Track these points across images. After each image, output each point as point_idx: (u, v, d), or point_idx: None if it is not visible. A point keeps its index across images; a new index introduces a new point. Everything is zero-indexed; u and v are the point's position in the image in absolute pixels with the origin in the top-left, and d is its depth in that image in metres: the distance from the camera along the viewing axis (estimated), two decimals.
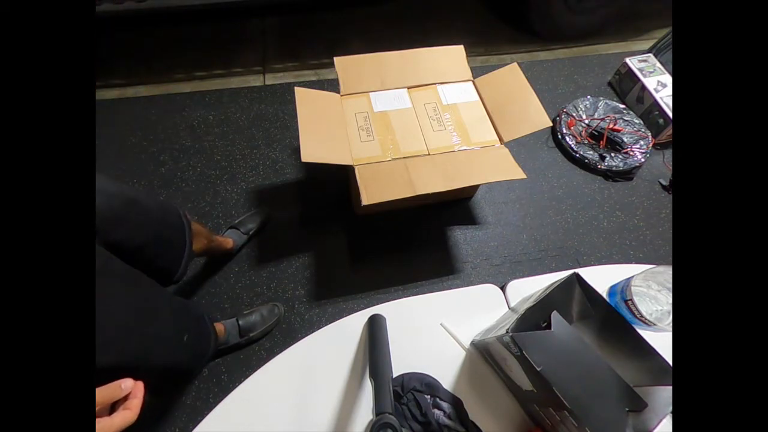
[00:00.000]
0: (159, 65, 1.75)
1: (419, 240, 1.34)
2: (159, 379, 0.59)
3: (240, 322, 1.09)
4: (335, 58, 1.18)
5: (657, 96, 1.56)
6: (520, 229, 1.39)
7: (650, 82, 1.60)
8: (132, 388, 0.37)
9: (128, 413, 0.36)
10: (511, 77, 1.17)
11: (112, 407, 0.37)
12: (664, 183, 1.51)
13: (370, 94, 1.17)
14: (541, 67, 1.84)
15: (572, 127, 1.58)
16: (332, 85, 1.63)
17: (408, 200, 1.00)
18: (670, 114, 1.52)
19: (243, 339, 1.09)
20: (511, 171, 1.03)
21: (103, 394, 0.35)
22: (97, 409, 0.35)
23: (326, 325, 0.62)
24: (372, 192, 0.97)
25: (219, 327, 1.04)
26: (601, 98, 1.66)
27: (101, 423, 0.34)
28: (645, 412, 0.43)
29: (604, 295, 0.64)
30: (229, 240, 1.18)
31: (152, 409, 1.00)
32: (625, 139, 1.54)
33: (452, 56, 1.25)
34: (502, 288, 0.67)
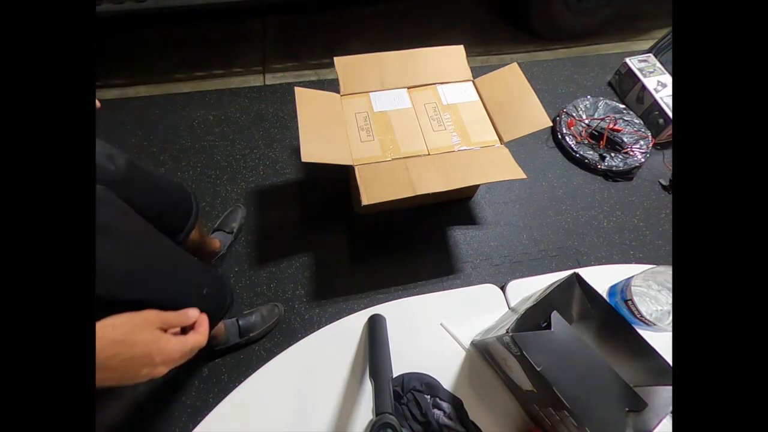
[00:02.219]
0: (159, 65, 1.75)
1: (419, 240, 1.34)
2: None
3: (240, 322, 1.09)
4: (335, 58, 1.18)
5: (657, 96, 1.56)
6: (520, 229, 1.39)
7: (650, 82, 1.60)
8: (197, 318, 0.42)
9: (199, 336, 0.41)
10: (511, 77, 1.17)
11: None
12: (664, 183, 1.51)
13: (370, 94, 1.17)
14: (541, 67, 1.84)
15: (572, 127, 1.58)
16: (332, 85, 1.63)
17: (408, 200, 1.00)
18: (670, 114, 1.52)
19: (243, 339, 1.09)
20: (511, 171, 1.03)
21: (173, 318, 0.40)
22: (170, 330, 0.39)
23: (326, 325, 0.62)
24: (372, 192, 0.97)
25: (219, 325, 1.04)
26: (601, 98, 1.66)
27: (178, 340, 0.39)
28: (645, 412, 0.43)
29: (604, 295, 0.64)
30: (216, 241, 1.18)
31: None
32: (625, 139, 1.54)
33: (452, 56, 1.25)
34: (502, 288, 0.67)
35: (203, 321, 0.42)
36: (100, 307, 0.36)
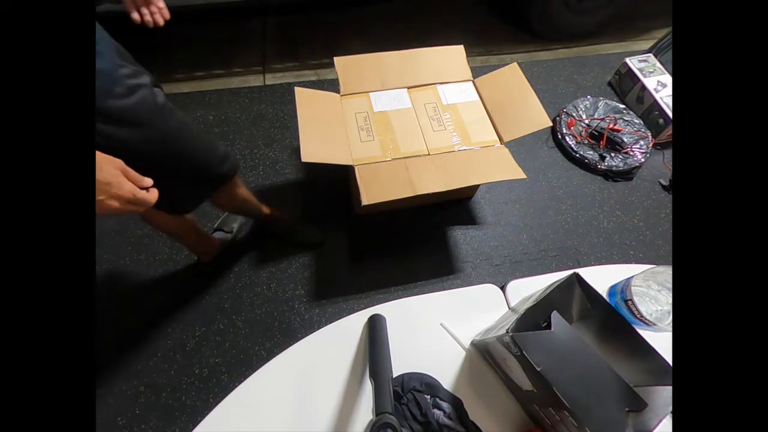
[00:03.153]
0: (159, 65, 1.75)
1: (419, 240, 1.34)
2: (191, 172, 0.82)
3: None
4: (335, 58, 1.18)
5: (657, 96, 1.56)
6: (520, 229, 1.39)
7: (650, 82, 1.60)
8: (150, 185, 0.52)
9: (149, 196, 0.51)
10: (511, 77, 1.17)
11: None
12: (664, 183, 1.51)
13: (370, 94, 1.17)
14: (541, 67, 1.84)
15: (572, 127, 1.59)
16: (332, 85, 1.63)
17: (408, 200, 1.00)
18: (670, 114, 1.52)
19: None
20: (512, 171, 1.03)
21: (135, 174, 0.50)
22: (132, 180, 0.49)
23: (326, 325, 0.62)
24: (372, 192, 0.97)
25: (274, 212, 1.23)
26: (601, 98, 1.66)
27: (133, 186, 0.49)
28: (645, 412, 0.43)
29: (604, 295, 0.64)
30: (215, 239, 1.20)
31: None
32: (625, 139, 1.54)
33: (452, 56, 1.25)
34: (502, 288, 0.67)
35: (154, 191, 0.52)
36: (150, 163, 0.57)
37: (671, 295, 0.56)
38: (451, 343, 0.62)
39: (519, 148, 1.55)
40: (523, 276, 0.68)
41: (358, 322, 0.62)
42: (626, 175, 1.52)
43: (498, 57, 1.92)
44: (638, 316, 0.57)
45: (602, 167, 1.51)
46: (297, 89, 1.06)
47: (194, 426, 0.53)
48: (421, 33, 1.96)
